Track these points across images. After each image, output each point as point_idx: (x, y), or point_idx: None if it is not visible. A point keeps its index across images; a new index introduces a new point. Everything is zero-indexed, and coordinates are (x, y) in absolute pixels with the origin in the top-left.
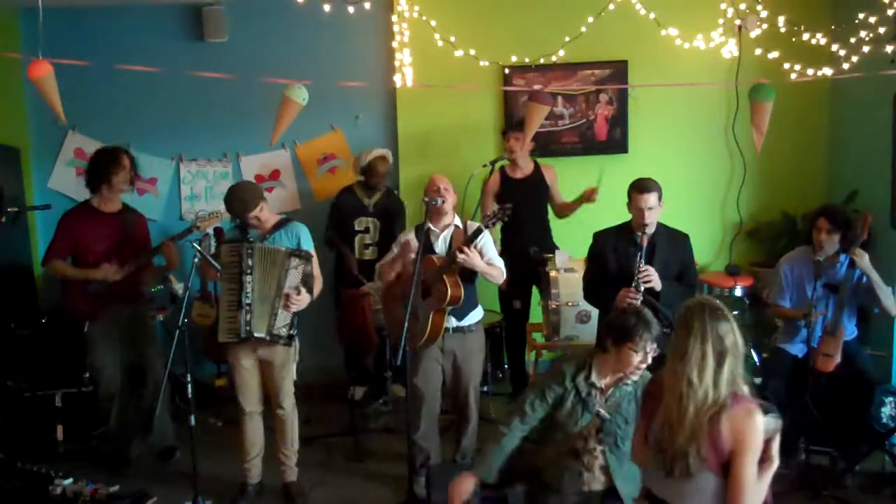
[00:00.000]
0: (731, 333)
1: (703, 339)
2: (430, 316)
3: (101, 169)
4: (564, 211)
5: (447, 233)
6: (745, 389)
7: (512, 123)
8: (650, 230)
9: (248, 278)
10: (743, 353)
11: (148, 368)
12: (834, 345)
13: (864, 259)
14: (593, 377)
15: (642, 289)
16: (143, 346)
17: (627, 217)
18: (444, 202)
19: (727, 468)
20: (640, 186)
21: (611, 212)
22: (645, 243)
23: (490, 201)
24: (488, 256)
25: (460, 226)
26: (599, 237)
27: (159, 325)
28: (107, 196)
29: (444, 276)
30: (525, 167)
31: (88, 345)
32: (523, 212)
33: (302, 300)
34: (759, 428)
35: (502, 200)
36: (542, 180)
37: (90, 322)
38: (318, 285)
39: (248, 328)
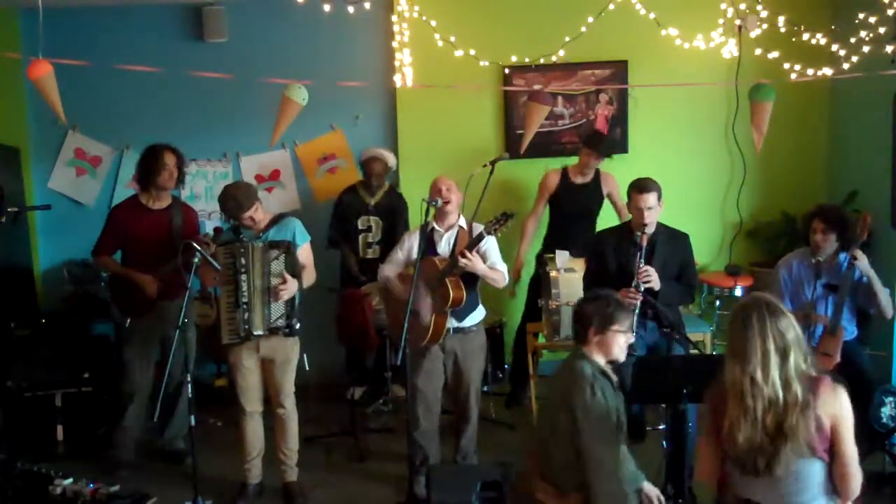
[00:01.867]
0: (792, 328)
1: (763, 337)
2: (433, 317)
3: (144, 169)
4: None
5: (451, 234)
6: (814, 371)
7: (590, 138)
8: (650, 230)
9: (244, 277)
10: (805, 344)
11: (189, 375)
12: (833, 344)
13: (863, 261)
14: (602, 366)
15: (642, 289)
16: (186, 346)
17: (627, 217)
18: (447, 203)
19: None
20: (640, 186)
21: (611, 212)
22: (645, 243)
23: (544, 201)
24: (491, 261)
25: (465, 227)
26: (599, 237)
27: None
28: (154, 194)
29: (447, 279)
30: (587, 175)
31: (125, 339)
32: (574, 217)
33: (289, 287)
34: (848, 401)
35: (558, 201)
36: (599, 188)
37: (133, 317)
38: (309, 276)
39: (246, 327)
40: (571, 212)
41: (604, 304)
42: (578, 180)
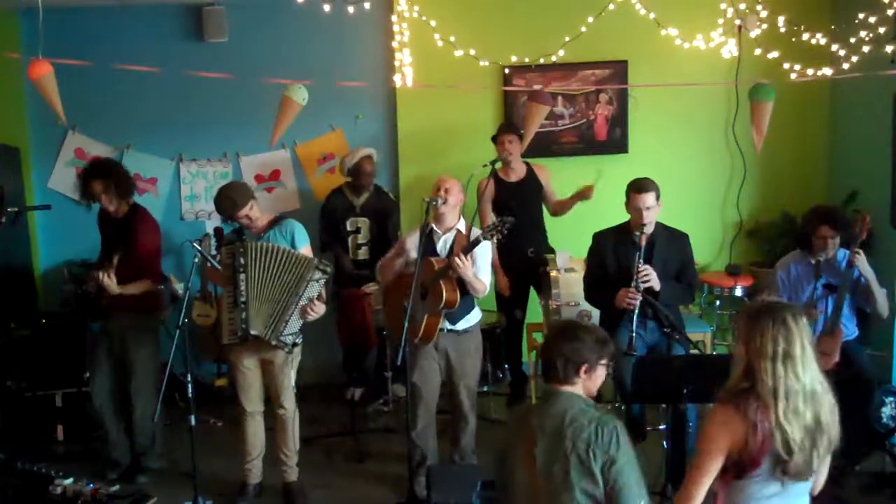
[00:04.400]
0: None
1: (801, 336)
2: (425, 317)
3: (82, 191)
4: (560, 209)
5: (449, 236)
6: None
7: (508, 123)
8: (649, 230)
9: (242, 276)
10: None
11: (132, 389)
12: (831, 344)
13: (862, 260)
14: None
15: (642, 288)
16: (129, 359)
17: (627, 217)
18: (443, 203)
19: None
20: (638, 186)
21: (610, 212)
22: (644, 243)
23: (488, 208)
24: (476, 267)
25: (464, 230)
26: (599, 238)
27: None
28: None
29: (441, 281)
30: (518, 170)
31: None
32: (519, 216)
33: (320, 310)
34: None
35: (498, 206)
36: (535, 182)
37: (93, 322)
38: None
39: (244, 326)
40: (517, 213)
41: (591, 337)
42: (513, 179)
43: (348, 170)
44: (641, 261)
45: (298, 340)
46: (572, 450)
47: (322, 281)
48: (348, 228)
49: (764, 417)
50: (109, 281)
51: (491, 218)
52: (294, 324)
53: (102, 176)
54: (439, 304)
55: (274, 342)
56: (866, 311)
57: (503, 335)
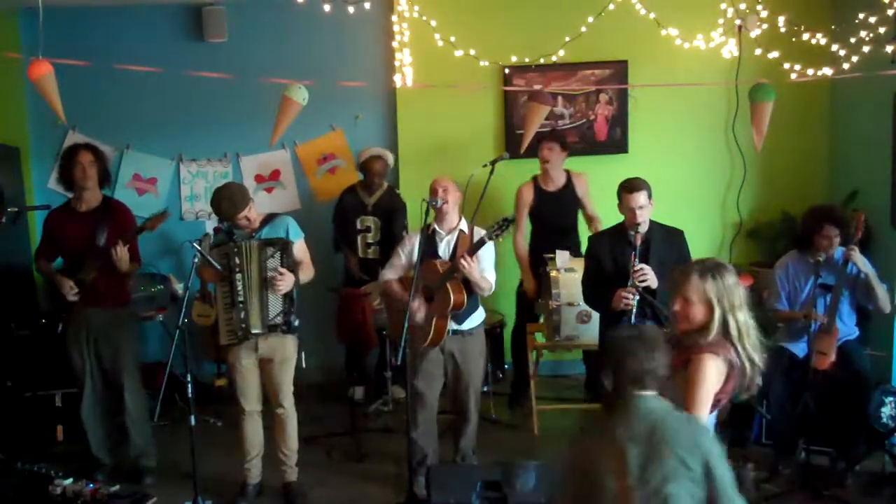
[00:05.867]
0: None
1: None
2: (434, 321)
3: (61, 169)
4: (591, 225)
5: (451, 237)
6: None
7: (551, 131)
8: (643, 228)
9: (238, 276)
10: None
11: (124, 388)
12: (828, 343)
13: (858, 258)
14: None
15: (640, 287)
16: (117, 358)
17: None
18: (444, 203)
19: None
20: (629, 186)
21: (610, 213)
22: (639, 242)
23: (524, 216)
24: (481, 267)
25: (466, 231)
26: (594, 239)
27: (159, 325)
28: (79, 195)
29: (447, 283)
30: (557, 179)
31: (65, 342)
32: (555, 225)
33: (286, 279)
34: None
35: (536, 214)
36: (573, 191)
37: (65, 323)
38: (307, 272)
39: (243, 326)
40: (550, 223)
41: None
42: (551, 188)
43: (359, 166)
44: (637, 260)
45: (291, 320)
46: (672, 451)
47: (277, 254)
48: (358, 227)
49: (735, 357)
50: (124, 252)
51: (527, 226)
52: (274, 304)
53: (93, 150)
54: (448, 306)
55: (266, 330)
56: (868, 309)
57: (512, 335)
